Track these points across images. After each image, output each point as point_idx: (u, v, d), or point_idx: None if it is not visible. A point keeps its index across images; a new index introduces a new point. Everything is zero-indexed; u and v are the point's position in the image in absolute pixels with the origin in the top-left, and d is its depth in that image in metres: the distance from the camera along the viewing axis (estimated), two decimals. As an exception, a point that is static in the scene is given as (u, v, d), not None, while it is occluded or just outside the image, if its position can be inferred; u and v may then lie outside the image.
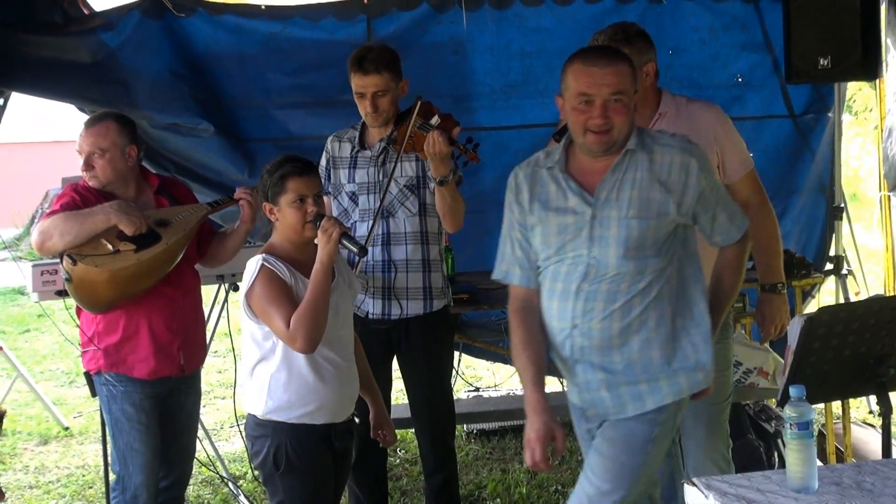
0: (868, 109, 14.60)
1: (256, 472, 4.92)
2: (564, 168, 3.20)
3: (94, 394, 4.21)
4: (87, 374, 4.20)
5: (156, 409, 4.15)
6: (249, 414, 3.61)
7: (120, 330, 4.05)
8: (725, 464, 4.01)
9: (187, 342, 4.22)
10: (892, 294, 6.15)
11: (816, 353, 2.80)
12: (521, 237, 3.27)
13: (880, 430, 5.92)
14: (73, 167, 4.18)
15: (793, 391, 2.58)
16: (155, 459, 4.16)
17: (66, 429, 7.07)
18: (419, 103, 4.11)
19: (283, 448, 3.49)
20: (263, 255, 3.52)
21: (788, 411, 2.57)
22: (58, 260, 3.96)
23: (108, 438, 4.27)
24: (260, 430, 3.55)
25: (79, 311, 4.15)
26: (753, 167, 3.99)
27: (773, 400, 5.79)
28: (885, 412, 2.89)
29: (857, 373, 2.90)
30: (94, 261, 3.81)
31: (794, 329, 2.76)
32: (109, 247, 3.83)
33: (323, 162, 4.43)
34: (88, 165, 4.00)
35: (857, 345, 2.82)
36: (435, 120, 4.00)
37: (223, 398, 7.63)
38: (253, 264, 3.49)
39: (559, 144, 3.24)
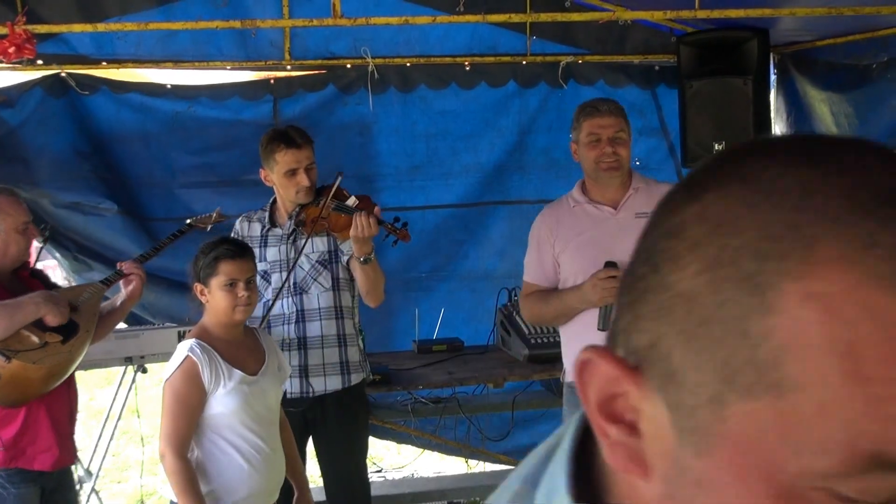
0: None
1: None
2: None
3: None
4: None
5: None
6: (172, 501, 3.49)
7: (19, 420, 3.76)
8: None
9: (74, 429, 4.07)
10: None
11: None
12: None
13: None
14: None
15: None
16: None
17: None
18: (337, 181, 4.11)
19: None
20: (194, 340, 3.47)
21: None
22: None
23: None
24: None
25: None
26: None
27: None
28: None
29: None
30: (30, 356, 3.57)
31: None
32: (36, 339, 3.61)
33: None
34: (31, 233, 3.86)
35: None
36: (352, 201, 3.99)
37: (119, 482, 7.43)
38: (181, 351, 3.45)
39: None
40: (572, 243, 4.00)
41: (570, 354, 4.09)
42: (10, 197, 3.89)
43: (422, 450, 6.51)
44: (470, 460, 6.64)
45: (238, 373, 3.45)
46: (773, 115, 5.72)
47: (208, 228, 4.60)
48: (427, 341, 5.79)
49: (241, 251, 3.58)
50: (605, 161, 3.93)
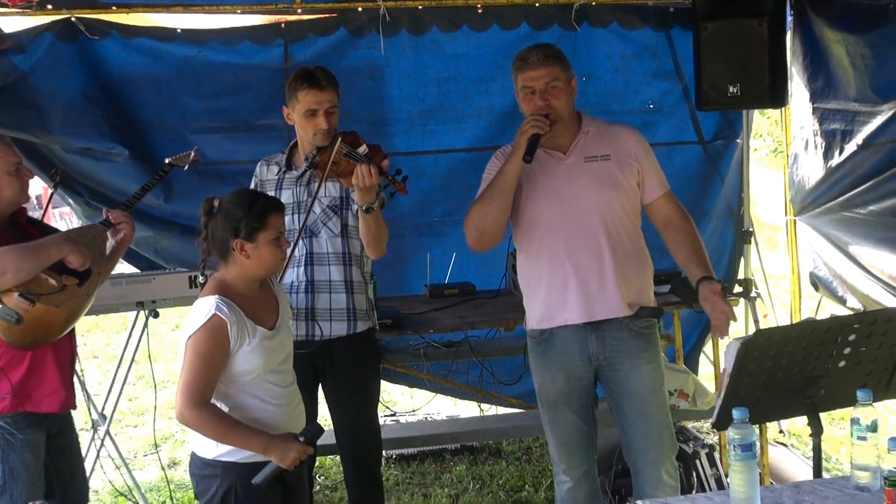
0: (759, 135, 14.87)
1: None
2: None
3: None
4: None
5: (45, 451, 3.84)
6: (195, 453, 3.44)
7: (25, 363, 3.70)
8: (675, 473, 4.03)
9: (75, 372, 4.04)
10: (798, 317, 6.30)
11: (751, 376, 2.83)
12: None
13: (791, 449, 6.09)
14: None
15: (736, 413, 2.61)
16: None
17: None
18: (345, 132, 4.10)
19: (233, 489, 3.34)
20: (217, 298, 3.32)
21: (732, 433, 2.59)
22: None
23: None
24: (208, 470, 3.39)
25: None
26: (669, 188, 4.09)
27: (690, 421, 5.89)
28: (816, 432, 2.93)
29: (789, 394, 2.93)
30: (52, 300, 3.54)
31: (730, 352, 2.81)
32: (54, 283, 3.56)
33: (252, 186, 4.40)
34: (24, 175, 3.78)
35: (789, 367, 2.86)
36: (363, 149, 3.96)
37: (135, 426, 7.50)
38: (205, 308, 3.31)
39: None
40: (523, 186, 3.95)
41: (531, 305, 4.07)
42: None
43: (434, 394, 6.54)
44: (482, 404, 6.68)
45: (261, 330, 3.39)
46: (788, 56, 5.66)
47: (185, 167, 4.51)
48: (439, 286, 5.79)
49: (281, 204, 3.52)
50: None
